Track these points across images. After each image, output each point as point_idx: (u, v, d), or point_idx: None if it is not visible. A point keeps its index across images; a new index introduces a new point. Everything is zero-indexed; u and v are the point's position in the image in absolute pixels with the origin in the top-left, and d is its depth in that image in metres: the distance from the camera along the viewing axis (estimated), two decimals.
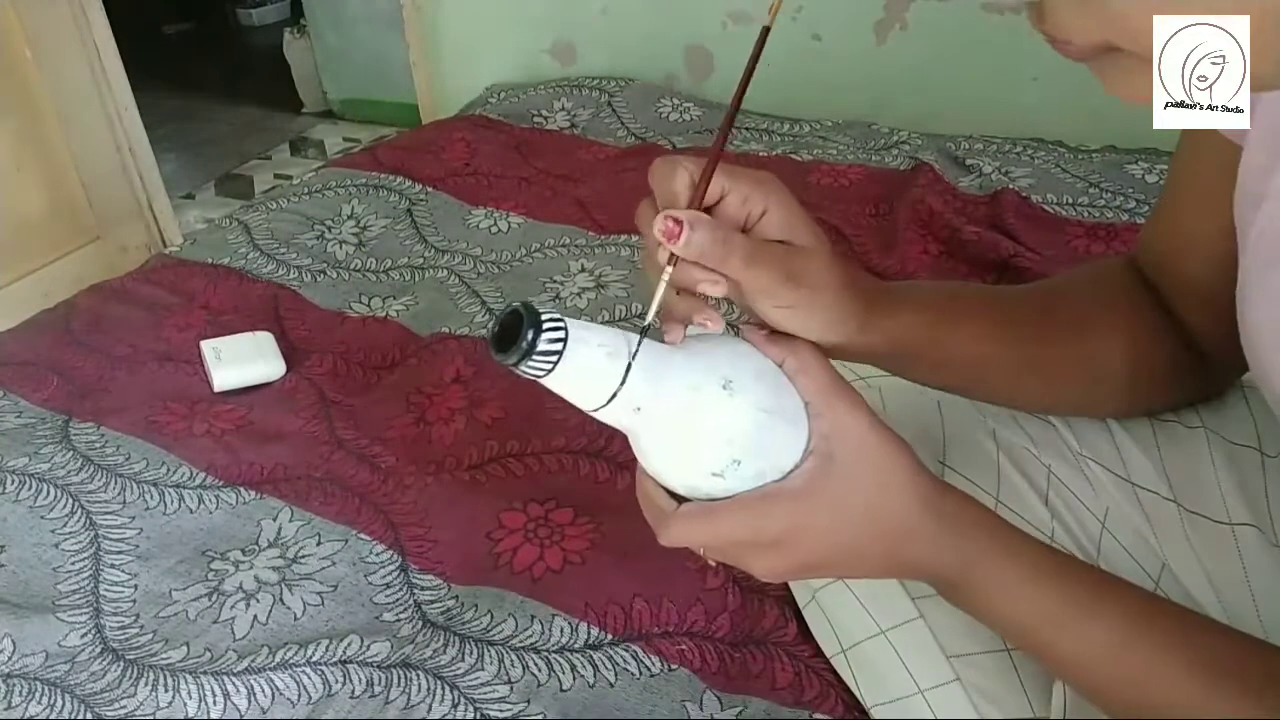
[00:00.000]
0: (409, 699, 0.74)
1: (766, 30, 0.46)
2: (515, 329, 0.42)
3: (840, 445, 0.46)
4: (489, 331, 0.43)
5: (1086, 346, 0.61)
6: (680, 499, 0.47)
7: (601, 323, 0.43)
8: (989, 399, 0.66)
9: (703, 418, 0.45)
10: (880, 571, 0.50)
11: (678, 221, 0.44)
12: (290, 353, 1.16)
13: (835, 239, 1.32)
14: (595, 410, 0.45)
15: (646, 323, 0.46)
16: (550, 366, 0.42)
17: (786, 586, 0.79)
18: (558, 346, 0.42)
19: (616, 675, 0.75)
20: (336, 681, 0.75)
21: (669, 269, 0.46)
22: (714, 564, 0.51)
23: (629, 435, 0.47)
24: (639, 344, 0.45)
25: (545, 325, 0.42)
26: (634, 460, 0.49)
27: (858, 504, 0.46)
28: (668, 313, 0.48)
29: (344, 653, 0.77)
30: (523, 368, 0.42)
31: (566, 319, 0.43)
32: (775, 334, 0.48)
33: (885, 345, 0.53)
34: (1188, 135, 0.58)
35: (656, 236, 0.45)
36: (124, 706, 0.75)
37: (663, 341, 0.47)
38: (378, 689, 0.75)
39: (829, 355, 0.51)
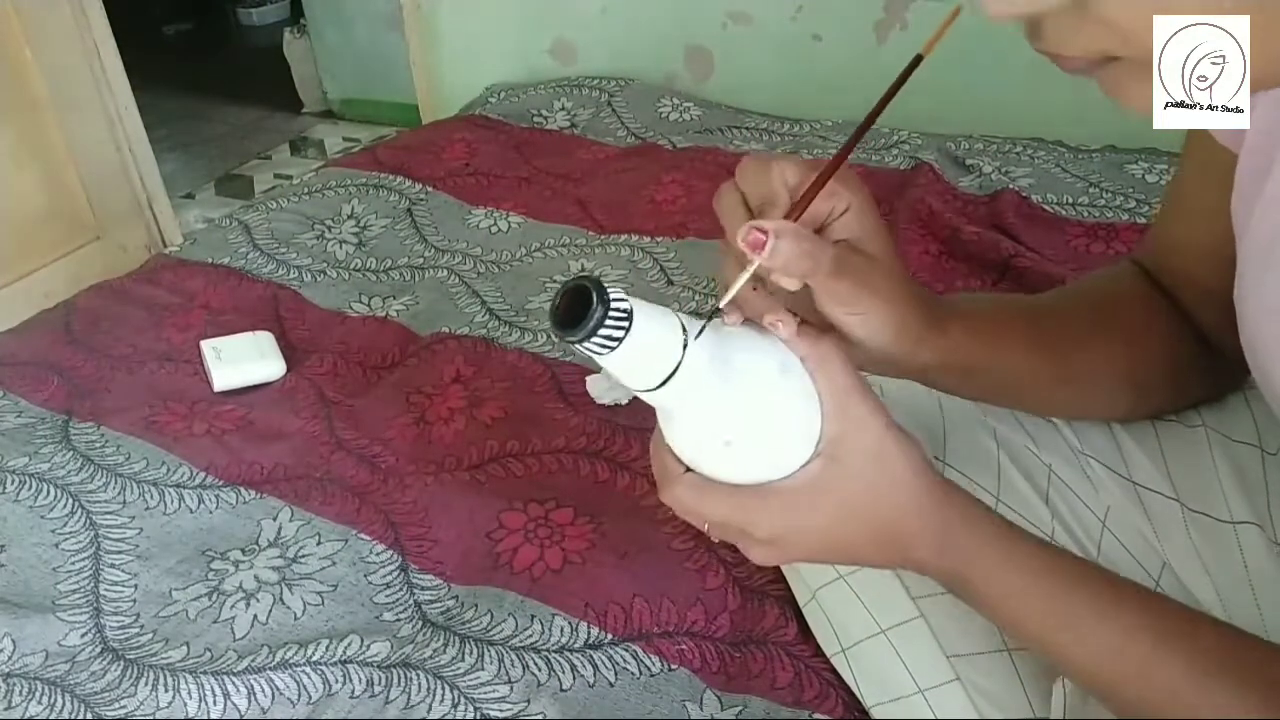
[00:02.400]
0: (409, 699, 0.74)
1: (920, 58, 0.48)
2: (579, 303, 0.41)
3: (848, 451, 0.46)
4: (551, 305, 0.42)
5: (1104, 353, 0.61)
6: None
7: None
8: (1021, 409, 0.67)
9: (751, 409, 0.45)
10: (880, 565, 0.51)
11: (763, 231, 0.43)
12: (290, 353, 1.16)
13: None
14: (644, 392, 0.44)
15: (719, 305, 0.46)
16: (614, 346, 0.41)
17: (786, 586, 0.79)
18: (622, 327, 0.41)
19: (616, 675, 0.75)
20: (336, 681, 0.75)
21: (757, 259, 0.44)
22: (717, 539, 0.51)
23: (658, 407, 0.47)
24: (703, 328, 0.44)
25: (612, 304, 0.40)
26: (635, 460, 0.49)
27: (858, 507, 0.47)
28: (738, 303, 0.48)
29: (344, 653, 0.77)
30: (585, 346, 0.41)
31: (630, 298, 0.41)
32: (804, 326, 0.47)
33: (936, 361, 0.54)
34: (1190, 138, 0.58)
35: (739, 246, 0.44)
36: (124, 706, 0.75)
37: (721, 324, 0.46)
38: (378, 689, 0.75)
39: (883, 368, 0.52)
